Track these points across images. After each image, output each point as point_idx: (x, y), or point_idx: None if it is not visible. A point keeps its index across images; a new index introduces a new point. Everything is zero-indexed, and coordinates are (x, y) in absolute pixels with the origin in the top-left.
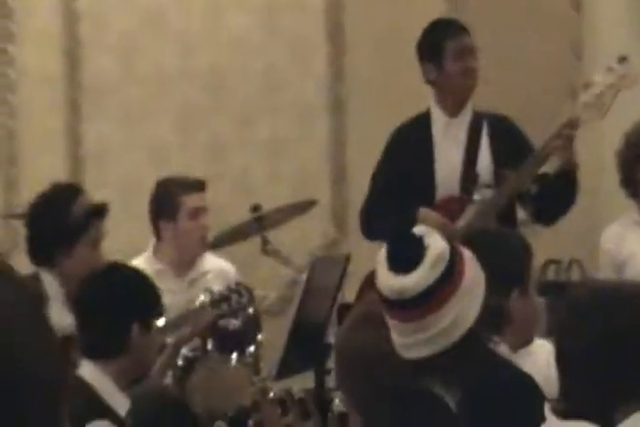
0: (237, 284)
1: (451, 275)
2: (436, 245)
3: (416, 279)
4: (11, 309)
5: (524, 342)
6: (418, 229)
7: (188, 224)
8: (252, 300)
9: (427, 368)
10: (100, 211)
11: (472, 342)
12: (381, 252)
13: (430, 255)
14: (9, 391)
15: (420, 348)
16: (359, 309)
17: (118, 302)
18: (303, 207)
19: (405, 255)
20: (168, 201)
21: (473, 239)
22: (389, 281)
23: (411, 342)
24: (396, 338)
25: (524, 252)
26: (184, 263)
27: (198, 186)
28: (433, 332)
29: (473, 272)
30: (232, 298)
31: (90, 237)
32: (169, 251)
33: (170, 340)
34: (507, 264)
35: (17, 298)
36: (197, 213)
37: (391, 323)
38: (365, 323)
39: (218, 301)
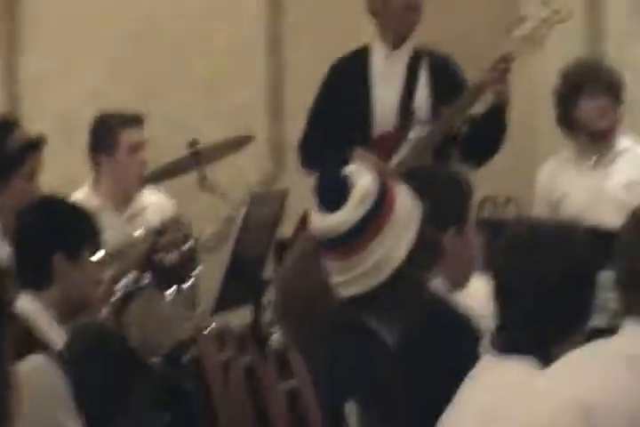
0: (174, 218)
1: (378, 212)
2: (363, 183)
3: (341, 218)
4: None
5: (461, 281)
6: (347, 169)
7: (127, 159)
8: (188, 235)
9: (362, 304)
10: (36, 143)
11: (405, 278)
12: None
13: (356, 193)
14: None
15: (352, 285)
16: (300, 246)
17: (42, 232)
18: (240, 142)
19: (331, 194)
20: (107, 136)
21: (414, 175)
22: (318, 220)
23: (343, 280)
24: (332, 276)
25: (464, 190)
26: (122, 198)
27: (137, 120)
28: (362, 269)
29: (405, 208)
30: (169, 232)
31: (26, 169)
32: (107, 185)
33: (106, 274)
34: (444, 201)
35: None
36: (136, 147)
37: (325, 261)
38: (308, 260)
39: (155, 235)
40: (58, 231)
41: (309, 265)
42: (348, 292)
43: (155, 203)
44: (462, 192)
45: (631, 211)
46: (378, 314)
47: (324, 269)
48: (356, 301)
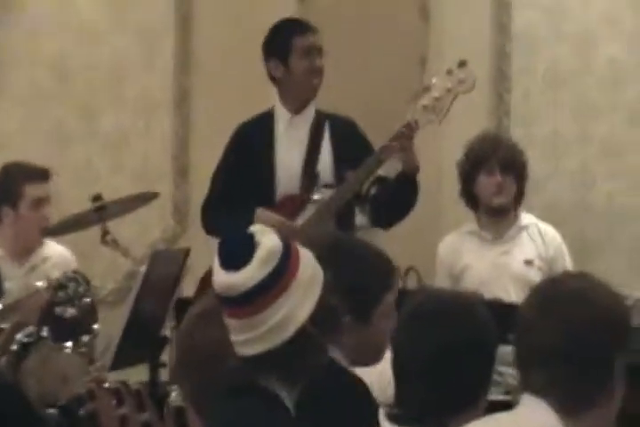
0: (75, 272)
1: (281, 273)
2: (268, 242)
3: (244, 276)
4: None
5: (362, 364)
6: (252, 227)
7: (29, 214)
8: (89, 289)
9: (262, 364)
10: None
11: (305, 342)
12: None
13: (261, 253)
14: None
15: (252, 345)
16: (201, 304)
17: None
18: (144, 199)
19: (235, 252)
20: (11, 188)
21: (327, 246)
22: (220, 278)
23: (243, 340)
24: (231, 335)
25: (378, 283)
26: (23, 250)
27: (42, 175)
28: (263, 329)
29: (309, 270)
30: (69, 286)
31: None
32: (8, 237)
33: (4, 324)
34: (351, 285)
35: None
36: (40, 203)
37: (225, 320)
38: (207, 319)
39: (55, 288)
40: None
41: (209, 322)
42: (249, 351)
43: (56, 255)
44: (375, 285)
45: (532, 287)
46: (278, 375)
47: (224, 327)
48: (256, 360)
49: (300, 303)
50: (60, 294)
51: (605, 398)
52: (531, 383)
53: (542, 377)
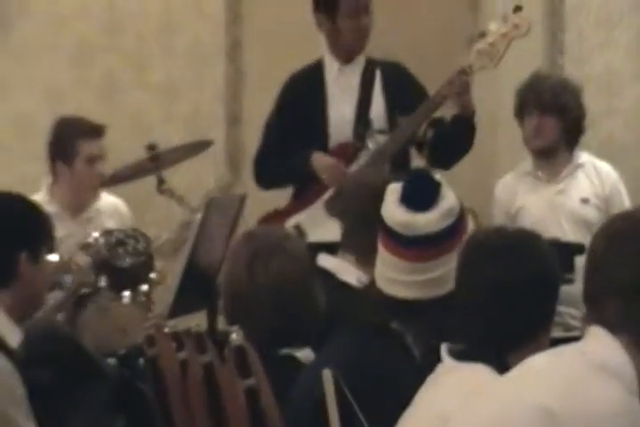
0: (134, 230)
1: (457, 229)
2: (452, 198)
3: (428, 220)
4: None
5: None
6: (438, 177)
7: (84, 170)
8: (147, 246)
9: (401, 310)
10: None
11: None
12: (392, 187)
13: (445, 204)
14: None
15: (412, 288)
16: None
17: (5, 230)
18: (199, 147)
19: (423, 195)
20: (66, 145)
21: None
22: (399, 215)
23: (403, 280)
24: (389, 273)
25: None
26: (77, 206)
27: (97, 131)
28: (429, 277)
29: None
30: (128, 243)
31: None
32: (63, 192)
33: (69, 279)
34: None
35: None
36: (94, 159)
37: (387, 258)
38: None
39: (114, 244)
40: (24, 231)
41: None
42: (406, 293)
43: (110, 207)
44: None
45: (603, 223)
46: (409, 323)
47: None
48: (400, 304)
49: None
50: (120, 250)
51: None
52: (605, 318)
53: (618, 310)
